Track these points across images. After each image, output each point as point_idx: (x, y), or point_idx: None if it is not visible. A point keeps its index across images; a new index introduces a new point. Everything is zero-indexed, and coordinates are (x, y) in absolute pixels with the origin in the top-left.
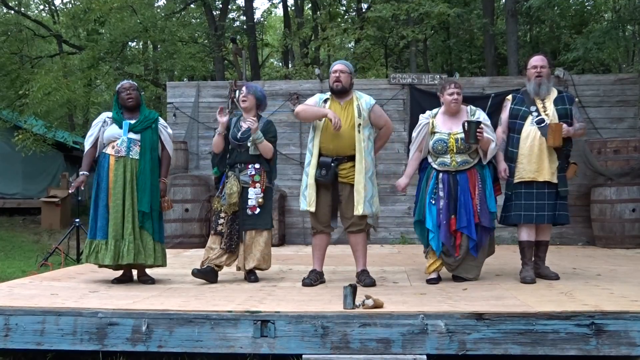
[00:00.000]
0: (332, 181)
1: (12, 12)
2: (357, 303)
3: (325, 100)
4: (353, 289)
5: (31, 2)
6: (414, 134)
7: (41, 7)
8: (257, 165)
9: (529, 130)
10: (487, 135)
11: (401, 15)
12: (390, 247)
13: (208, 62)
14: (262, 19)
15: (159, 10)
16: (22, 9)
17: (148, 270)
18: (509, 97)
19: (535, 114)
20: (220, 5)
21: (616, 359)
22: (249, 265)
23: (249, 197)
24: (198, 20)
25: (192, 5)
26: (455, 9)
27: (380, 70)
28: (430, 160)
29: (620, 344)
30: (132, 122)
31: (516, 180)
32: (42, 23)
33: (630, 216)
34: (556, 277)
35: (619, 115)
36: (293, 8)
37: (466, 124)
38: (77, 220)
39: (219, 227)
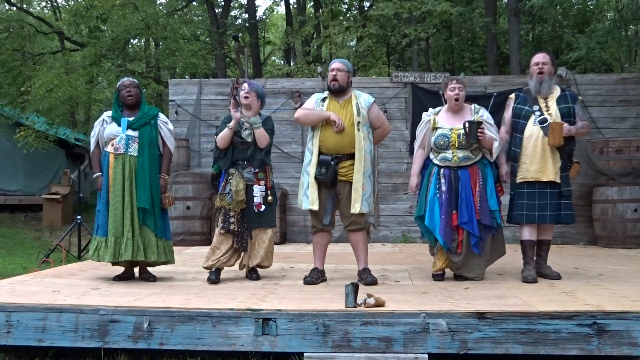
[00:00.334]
0: (332, 179)
1: (15, 8)
2: (358, 301)
3: (324, 100)
4: (354, 287)
5: None
6: (417, 131)
7: (43, 3)
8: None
9: (532, 130)
10: (489, 134)
11: (403, 13)
12: (391, 246)
13: (210, 60)
14: (264, 17)
15: (161, 8)
16: (25, 5)
17: (154, 268)
18: (512, 95)
19: (537, 113)
20: (223, 3)
21: (618, 359)
22: (253, 263)
23: (254, 194)
24: (200, 17)
25: (194, 3)
26: (457, 7)
27: (382, 68)
28: (431, 156)
29: (622, 344)
30: (131, 119)
31: (519, 180)
32: (44, 20)
33: (632, 216)
34: (558, 277)
35: (622, 114)
36: (295, 6)
37: (467, 124)
38: (79, 217)
39: (232, 226)
